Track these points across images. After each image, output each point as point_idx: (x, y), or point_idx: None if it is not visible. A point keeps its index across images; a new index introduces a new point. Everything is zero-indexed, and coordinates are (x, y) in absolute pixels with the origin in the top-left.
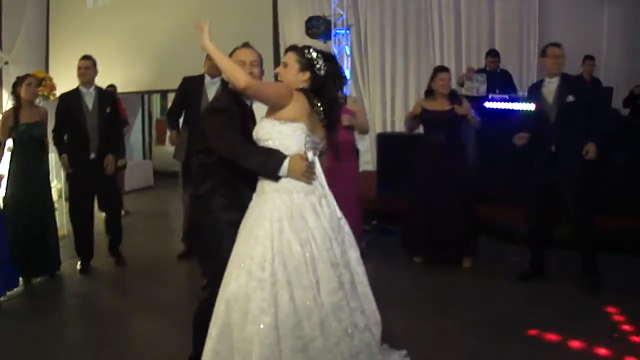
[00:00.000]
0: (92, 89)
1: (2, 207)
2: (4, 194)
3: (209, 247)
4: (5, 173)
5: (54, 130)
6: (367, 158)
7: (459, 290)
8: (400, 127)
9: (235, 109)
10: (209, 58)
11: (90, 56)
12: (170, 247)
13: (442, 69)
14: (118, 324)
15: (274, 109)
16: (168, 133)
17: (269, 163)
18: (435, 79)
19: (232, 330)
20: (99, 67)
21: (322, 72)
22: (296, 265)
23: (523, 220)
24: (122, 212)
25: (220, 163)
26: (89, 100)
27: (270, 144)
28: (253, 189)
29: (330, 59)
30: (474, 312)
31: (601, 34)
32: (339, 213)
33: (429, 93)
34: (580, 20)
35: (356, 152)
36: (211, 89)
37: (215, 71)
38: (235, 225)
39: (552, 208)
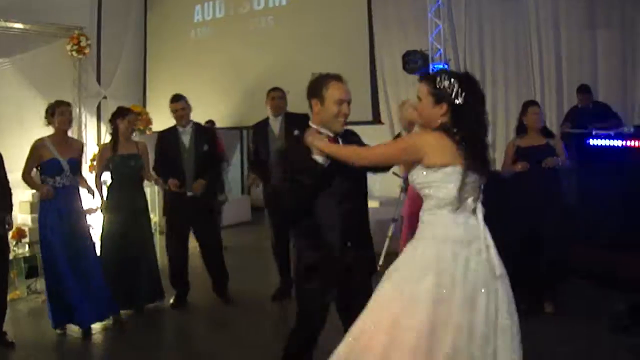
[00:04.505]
0: (188, 127)
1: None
2: (101, 227)
3: (296, 288)
4: (100, 207)
5: (154, 168)
6: None
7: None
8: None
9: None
10: (271, 97)
11: (180, 96)
12: (266, 285)
13: (532, 103)
14: None
15: (416, 162)
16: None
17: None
18: (527, 114)
19: None
20: (197, 102)
21: (460, 100)
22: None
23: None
24: None
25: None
26: (186, 138)
27: (427, 192)
28: (333, 227)
29: (466, 82)
30: None
31: None
32: (498, 270)
33: (521, 130)
34: None
35: None
36: (274, 126)
37: (277, 110)
38: (315, 269)
39: None
